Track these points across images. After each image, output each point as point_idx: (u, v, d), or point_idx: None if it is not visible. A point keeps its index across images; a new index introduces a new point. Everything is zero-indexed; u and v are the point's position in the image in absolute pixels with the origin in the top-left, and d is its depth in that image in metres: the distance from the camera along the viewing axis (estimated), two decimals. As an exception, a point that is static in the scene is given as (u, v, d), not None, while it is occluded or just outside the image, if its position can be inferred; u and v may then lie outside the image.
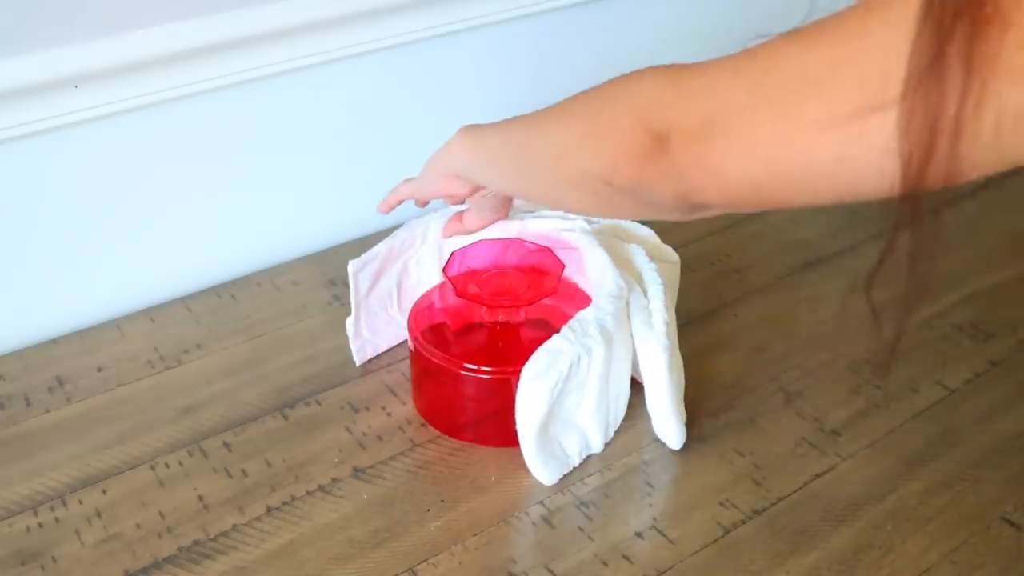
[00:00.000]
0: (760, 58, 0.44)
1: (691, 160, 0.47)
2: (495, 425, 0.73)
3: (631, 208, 0.55)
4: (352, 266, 0.76)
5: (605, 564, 0.64)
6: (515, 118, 0.63)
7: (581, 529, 0.67)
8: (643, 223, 0.82)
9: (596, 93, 0.55)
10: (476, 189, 0.72)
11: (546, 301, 0.75)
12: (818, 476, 0.71)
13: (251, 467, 0.72)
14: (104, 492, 0.70)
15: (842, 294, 0.89)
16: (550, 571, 0.64)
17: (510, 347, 0.75)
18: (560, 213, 0.81)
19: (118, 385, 0.80)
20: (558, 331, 0.68)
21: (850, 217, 1.03)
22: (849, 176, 0.42)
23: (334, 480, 0.71)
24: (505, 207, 0.77)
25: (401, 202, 0.78)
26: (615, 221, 0.82)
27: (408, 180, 0.77)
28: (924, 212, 0.39)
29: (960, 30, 0.35)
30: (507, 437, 0.70)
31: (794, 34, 0.43)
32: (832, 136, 0.41)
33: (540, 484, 0.70)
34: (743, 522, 0.67)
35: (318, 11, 0.88)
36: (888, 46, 0.38)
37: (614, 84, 0.53)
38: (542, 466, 0.70)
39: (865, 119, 0.39)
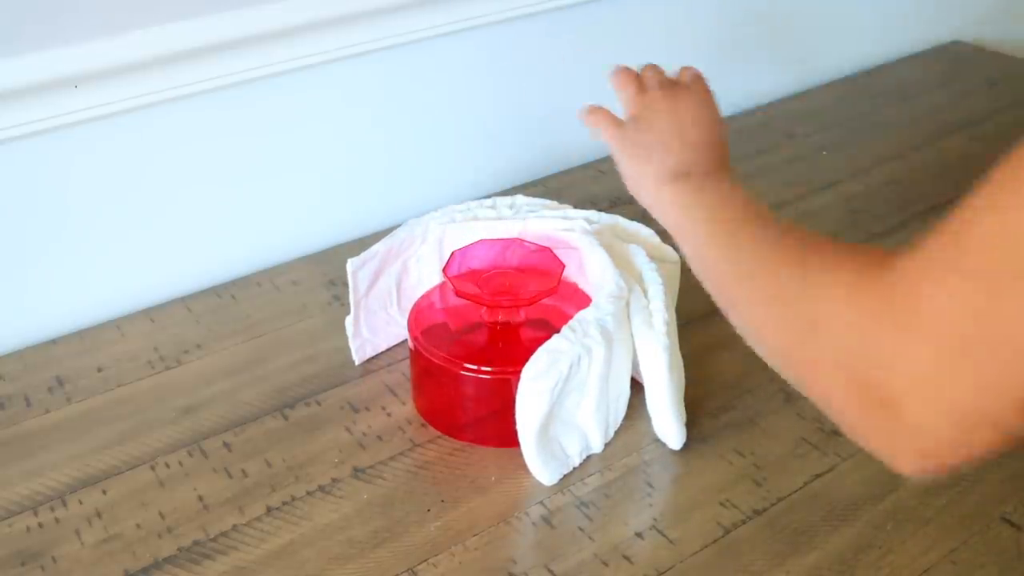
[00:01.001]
0: (977, 248, 0.37)
1: (930, 418, 0.39)
2: (495, 425, 0.72)
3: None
4: (351, 265, 0.76)
5: (605, 564, 0.64)
6: (746, 204, 0.58)
7: (581, 529, 0.67)
8: (643, 223, 0.82)
9: (791, 283, 0.48)
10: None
11: (546, 301, 0.75)
12: (818, 476, 0.71)
13: (251, 467, 0.72)
14: (104, 492, 0.70)
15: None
16: (550, 571, 0.64)
17: (510, 347, 0.75)
18: (561, 213, 0.81)
19: (118, 385, 0.80)
20: (558, 331, 0.68)
21: (851, 217, 1.03)
22: None
23: (334, 480, 0.71)
24: None
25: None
26: (615, 221, 0.82)
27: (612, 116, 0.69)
28: None
29: None
30: (507, 437, 0.70)
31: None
32: None
33: (540, 484, 0.70)
34: (743, 522, 0.67)
35: (318, 11, 0.88)
36: None
37: (800, 282, 0.47)
38: (542, 466, 0.70)
39: None
